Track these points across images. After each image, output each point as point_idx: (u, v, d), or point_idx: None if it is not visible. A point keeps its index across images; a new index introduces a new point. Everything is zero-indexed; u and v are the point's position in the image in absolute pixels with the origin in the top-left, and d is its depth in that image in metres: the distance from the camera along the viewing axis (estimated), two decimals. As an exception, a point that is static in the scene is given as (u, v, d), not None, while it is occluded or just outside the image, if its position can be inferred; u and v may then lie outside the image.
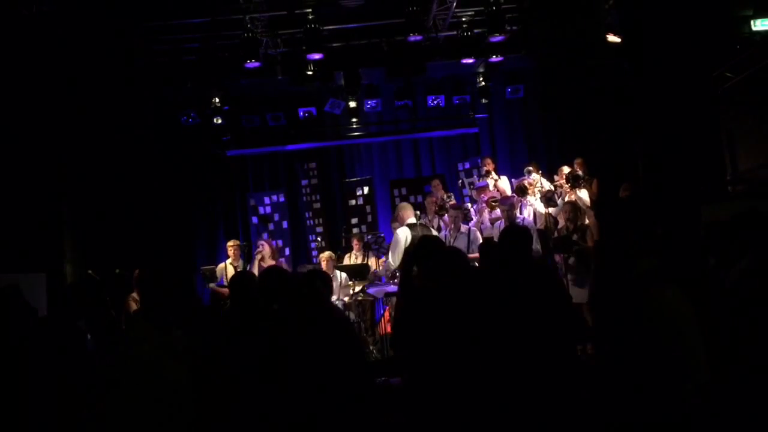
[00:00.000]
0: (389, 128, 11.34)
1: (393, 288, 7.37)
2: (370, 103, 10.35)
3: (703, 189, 7.00)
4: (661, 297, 2.42)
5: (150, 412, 2.47)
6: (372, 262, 8.58)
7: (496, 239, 7.86)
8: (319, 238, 10.48)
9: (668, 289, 2.46)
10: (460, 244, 7.57)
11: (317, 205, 11.12)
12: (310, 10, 8.48)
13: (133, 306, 6.85)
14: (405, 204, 7.53)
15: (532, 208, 8.54)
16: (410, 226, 7.00)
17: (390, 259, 7.21)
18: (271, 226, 10.79)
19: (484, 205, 8.83)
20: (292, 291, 3.71)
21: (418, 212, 7.94)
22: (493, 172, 9.52)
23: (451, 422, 3.14)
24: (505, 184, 9.33)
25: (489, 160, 9.91)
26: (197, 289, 10.44)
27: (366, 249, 8.76)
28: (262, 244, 8.39)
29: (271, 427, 3.11)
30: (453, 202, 8.91)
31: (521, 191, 8.53)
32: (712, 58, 7.49)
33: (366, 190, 10.76)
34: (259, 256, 8.20)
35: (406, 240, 6.88)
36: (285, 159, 11.54)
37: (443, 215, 8.54)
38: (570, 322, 3.45)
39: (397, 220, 7.35)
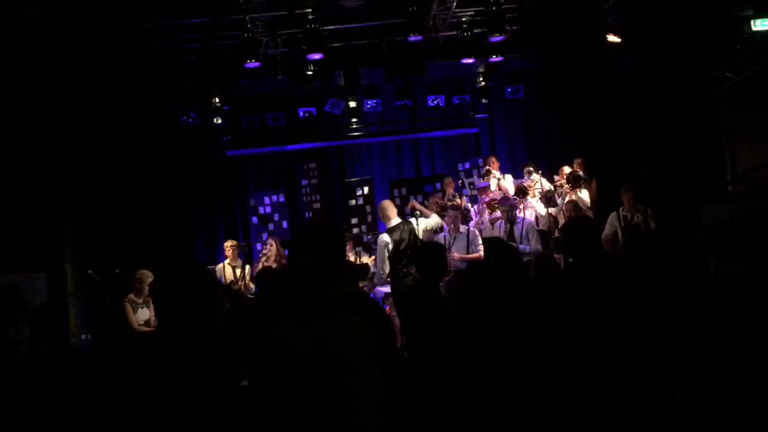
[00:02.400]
0: (389, 128, 11.33)
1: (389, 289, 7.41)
2: (370, 103, 10.35)
3: (703, 189, 7.00)
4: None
5: None
6: (370, 261, 8.58)
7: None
8: (319, 238, 10.45)
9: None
10: (460, 244, 7.59)
11: (317, 205, 11.12)
12: (310, 10, 8.47)
13: (129, 308, 6.83)
14: (386, 202, 7.54)
15: (533, 209, 8.54)
16: (391, 230, 7.05)
17: (378, 269, 7.27)
18: (271, 226, 10.79)
19: (484, 206, 8.83)
20: None
21: (418, 211, 7.97)
22: (495, 171, 9.53)
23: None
24: (509, 182, 9.34)
25: (493, 159, 9.92)
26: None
27: (356, 248, 8.77)
28: (272, 244, 8.03)
29: None
30: (458, 202, 8.93)
31: (521, 193, 8.53)
32: (712, 58, 7.48)
33: (366, 190, 10.77)
34: (263, 258, 7.96)
35: (387, 247, 6.94)
36: (285, 159, 11.54)
37: (445, 215, 8.54)
38: None
39: (383, 219, 7.39)
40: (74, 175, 8.54)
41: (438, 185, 10.38)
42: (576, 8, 6.70)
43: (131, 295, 6.90)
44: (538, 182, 9.05)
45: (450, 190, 9.51)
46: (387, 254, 7.04)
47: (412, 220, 7.52)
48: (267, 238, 8.84)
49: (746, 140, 7.78)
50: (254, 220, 10.92)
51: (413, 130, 11.33)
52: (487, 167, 9.62)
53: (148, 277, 6.88)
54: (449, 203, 8.91)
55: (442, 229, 7.91)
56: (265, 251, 8.02)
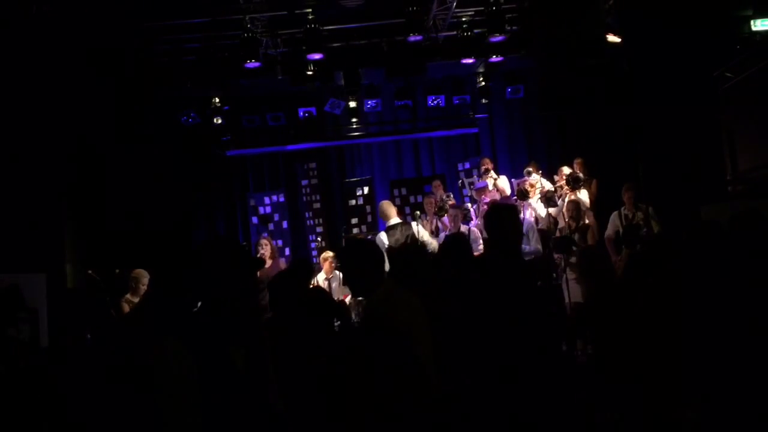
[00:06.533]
0: (389, 128, 11.33)
1: None
2: (370, 103, 10.34)
3: (703, 189, 7.02)
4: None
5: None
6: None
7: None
8: (319, 238, 10.48)
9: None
10: (460, 244, 7.56)
11: (317, 205, 11.12)
12: (310, 10, 8.48)
13: (126, 308, 6.78)
14: (385, 202, 7.54)
15: (533, 210, 8.53)
16: (389, 229, 7.04)
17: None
18: (271, 226, 10.78)
19: (485, 206, 8.82)
20: None
21: (418, 212, 7.99)
22: (492, 171, 9.53)
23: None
24: (504, 183, 9.33)
25: (487, 160, 9.94)
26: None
27: None
28: (265, 244, 8.05)
29: None
30: (452, 202, 8.91)
31: (522, 195, 8.52)
32: (712, 58, 7.48)
33: (366, 190, 10.76)
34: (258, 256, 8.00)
35: (384, 248, 6.95)
36: (285, 159, 11.54)
37: (443, 216, 8.54)
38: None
39: (382, 218, 7.38)
40: (74, 174, 8.54)
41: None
42: (576, 8, 6.70)
43: (128, 296, 6.85)
44: (538, 183, 9.04)
45: (440, 192, 9.48)
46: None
47: (413, 223, 7.51)
48: (258, 239, 8.77)
49: (746, 140, 7.78)
50: (254, 220, 10.92)
51: (413, 130, 11.33)
52: (485, 167, 9.62)
53: (144, 276, 6.85)
54: (450, 203, 8.91)
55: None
56: (262, 252, 7.99)
